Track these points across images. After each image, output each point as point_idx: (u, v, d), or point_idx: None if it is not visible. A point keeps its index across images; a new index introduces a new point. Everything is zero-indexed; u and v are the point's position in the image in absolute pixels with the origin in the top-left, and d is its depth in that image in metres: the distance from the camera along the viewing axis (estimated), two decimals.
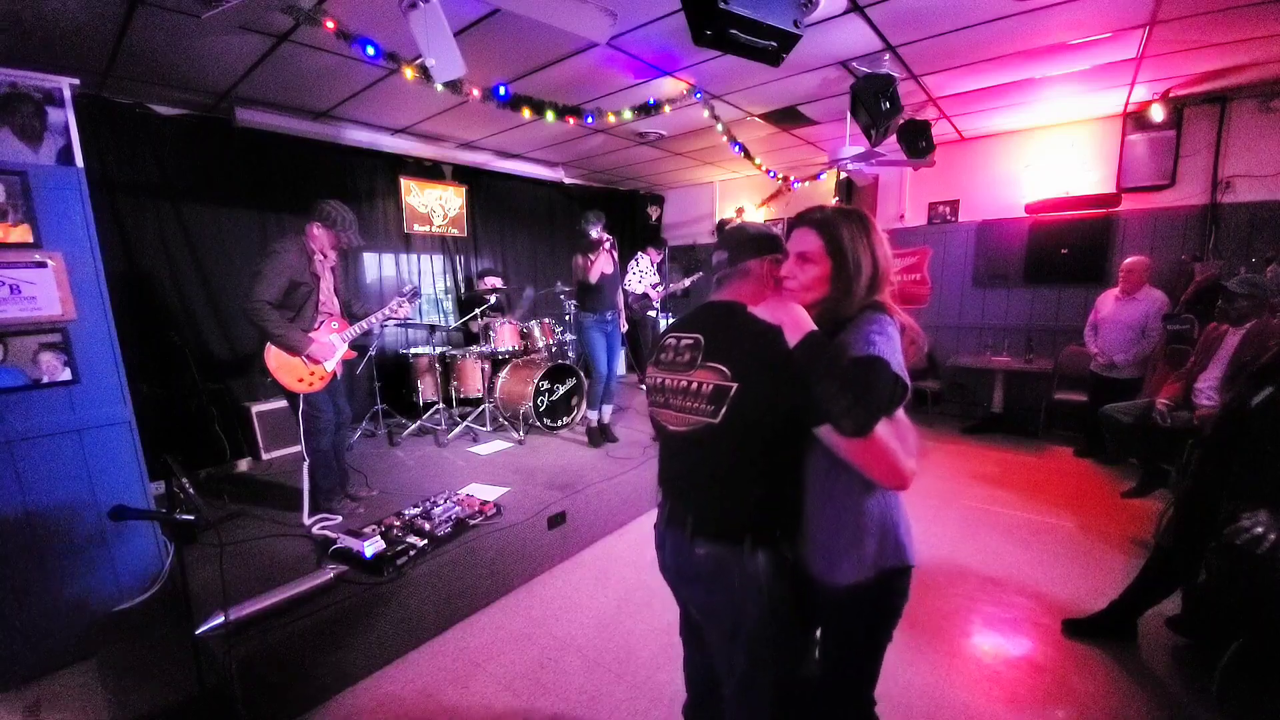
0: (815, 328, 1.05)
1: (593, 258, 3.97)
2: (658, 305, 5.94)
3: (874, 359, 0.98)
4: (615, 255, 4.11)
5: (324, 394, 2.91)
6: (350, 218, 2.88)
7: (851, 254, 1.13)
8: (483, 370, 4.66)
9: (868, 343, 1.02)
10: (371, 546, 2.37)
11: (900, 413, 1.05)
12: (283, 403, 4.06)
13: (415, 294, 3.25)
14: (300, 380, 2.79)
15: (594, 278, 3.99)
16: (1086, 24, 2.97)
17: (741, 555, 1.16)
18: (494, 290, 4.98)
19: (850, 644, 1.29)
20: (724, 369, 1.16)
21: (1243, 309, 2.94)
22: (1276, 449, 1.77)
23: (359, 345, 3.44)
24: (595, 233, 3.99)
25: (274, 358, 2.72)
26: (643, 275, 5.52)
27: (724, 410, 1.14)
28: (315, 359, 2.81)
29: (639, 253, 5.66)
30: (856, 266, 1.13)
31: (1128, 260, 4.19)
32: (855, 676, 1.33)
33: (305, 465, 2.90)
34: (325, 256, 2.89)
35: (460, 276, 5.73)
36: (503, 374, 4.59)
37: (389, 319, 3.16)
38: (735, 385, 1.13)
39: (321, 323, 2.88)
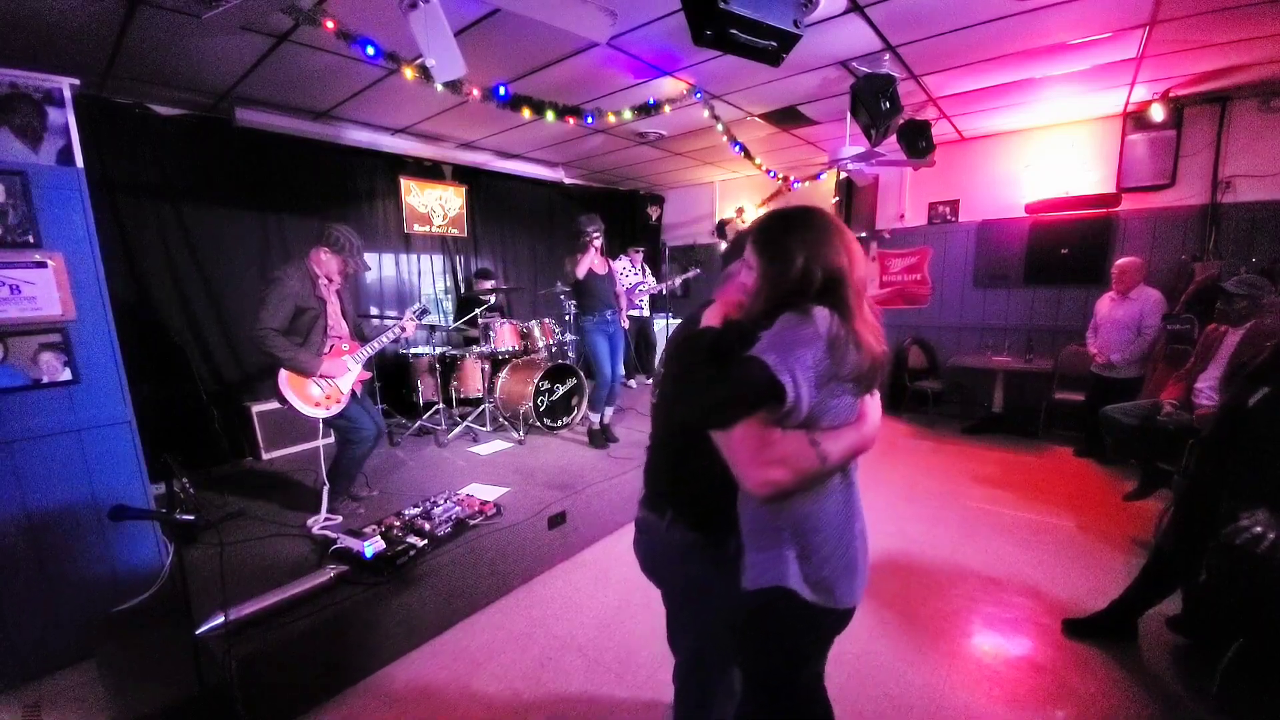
0: (712, 325, 1.13)
1: (579, 256, 3.97)
2: (640, 304, 5.96)
3: (742, 359, 0.99)
4: (602, 252, 4.10)
5: (358, 407, 2.92)
6: (358, 244, 2.87)
7: (773, 258, 1.07)
8: (483, 370, 4.66)
9: (758, 343, 1.01)
10: (371, 546, 2.37)
11: (756, 421, 1.00)
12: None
13: (423, 313, 3.24)
14: (316, 405, 2.78)
15: (580, 273, 3.98)
16: (1086, 24, 2.97)
17: (662, 524, 1.33)
18: (493, 291, 4.98)
19: (744, 664, 1.29)
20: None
21: (1242, 309, 2.95)
22: (1275, 448, 1.77)
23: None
24: (588, 235, 3.98)
25: (287, 384, 2.71)
26: (623, 276, 5.56)
27: (654, 398, 1.42)
28: (328, 375, 2.80)
29: (620, 254, 5.69)
30: (780, 270, 1.06)
31: (1120, 261, 4.21)
32: (756, 706, 1.26)
33: (325, 488, 2.91)
34: (331, 281, 2.87)
35: (460, 276, 5.73)
36: (503, 374, 4.59)
37: (397, 340, 3.15)
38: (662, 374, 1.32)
39: (331, 346, 2.87)
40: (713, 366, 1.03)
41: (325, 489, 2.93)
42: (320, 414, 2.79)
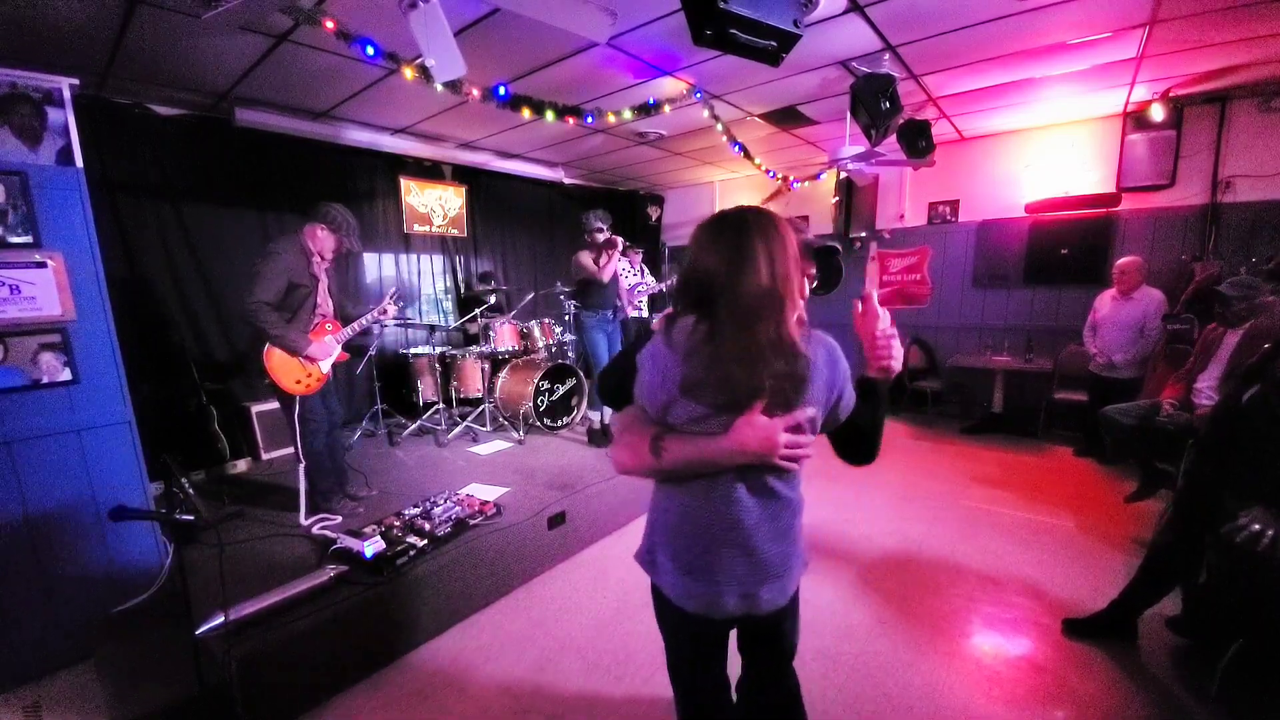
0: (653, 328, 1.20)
1: (606, 258, 4.00)
2: (640, 305, 5.96)
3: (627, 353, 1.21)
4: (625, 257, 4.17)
5: (316, 396, 2.90)
6: (354, 224, 2.89)
7: (683, 264, 1.14)
8: (483, 370, 4.66)
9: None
10: (371, 546, 2.37)
11: (635, 409, 1.17)
12: None
13: (398, 296, 3.23)
14: (297, 382, 2.79)
15: (607, 276, 4.03)
16: (1086, 24, 2.97)
17: None
18: (493, 291, 4.98)
19: None
20: None
21: (1240, 311, 2.95)
22: (1271, 447, 1.77)
23: (357, 346, 3.45)
24: (608, 232, 4.02)
25: (273, 359, 2.71)
26: (623, 276, 5.57)
27: None
28: (313, 359, 2.81)
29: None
30: (683, 276, 1.12)
31: (1120, 261, 4.20)
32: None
33: (301, 467, 2.89)
34: (324, 259, 2.89)
35: (460, 276, 5.73)
36: (503, 374, 4.59)
37: (378, 321, 3.15)
38: None
39: (317, 324, 2.88)
40: (619, 357, 1.28)
41: (303, 488, 2.91)
42: (299, 391, 2.79)
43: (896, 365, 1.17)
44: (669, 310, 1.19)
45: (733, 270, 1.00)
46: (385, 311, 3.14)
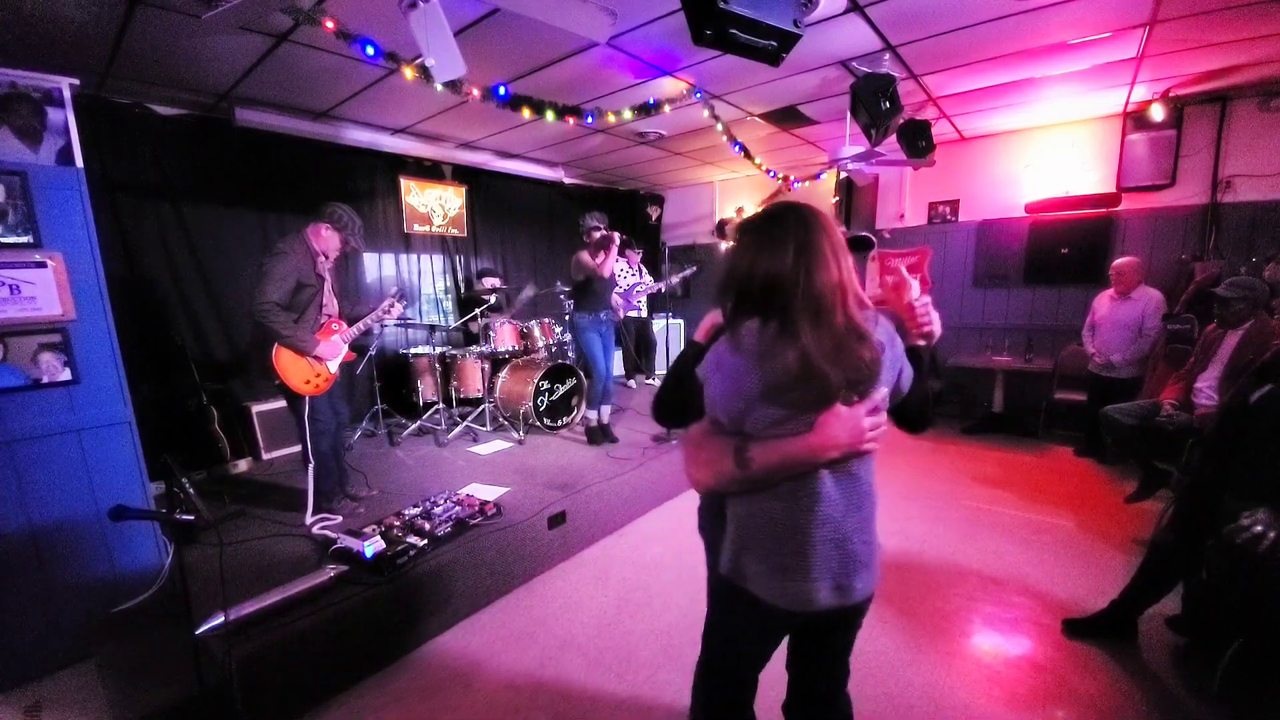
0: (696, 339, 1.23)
1: (604, 256, 4.01)
2: (639, 305, 5.97)
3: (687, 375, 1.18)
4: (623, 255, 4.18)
5: (324, 397, 2.91)
6: (358, 223, 2.90)
7: (729, 258, 1.15)
8: (483, 370, 4.65)
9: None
10: (371, 546, 2.37)
11: (704, 424, 1.17)
12: (282, 403, 4.06)
13: (400, 295, 3.25)
14: (307, 382, 2.79)
15: (606, 272, 4.04)
16: (1086, 24, 2.97)
17: None
18: (493, 290, 4.98)
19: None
20: None
21: (1239, 311, 2.95)
22: (1276, 447, 1.77)
23: (359, 346, 3.46)
24: (604, 230, 4.04)
25: (282, 360, 2.71)
26: (621, 277, 5.60)
27: None
28: (323, 358, 2.82)
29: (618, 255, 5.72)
30: (729, 271, 1.12)
31: (1118, 261, 4.20)
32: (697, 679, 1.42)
33: (310, 468, 2.89)
34: (328, 258, 2.89)
35: (460, 276, 5.73)
36: (503, 374, 4.59)
37: (381, 320, 3.17)
38: None
39: (324, 324, 2.89)
40: (673, 374, 1.25)
41: (311, 488, 2.90)
42: (309, 391, 2.79)
43: (937, 329, 1.21)
44: (714, 318, 1.19)
45: (802, 267, 1.01)
46: (389, 310, 3.15)
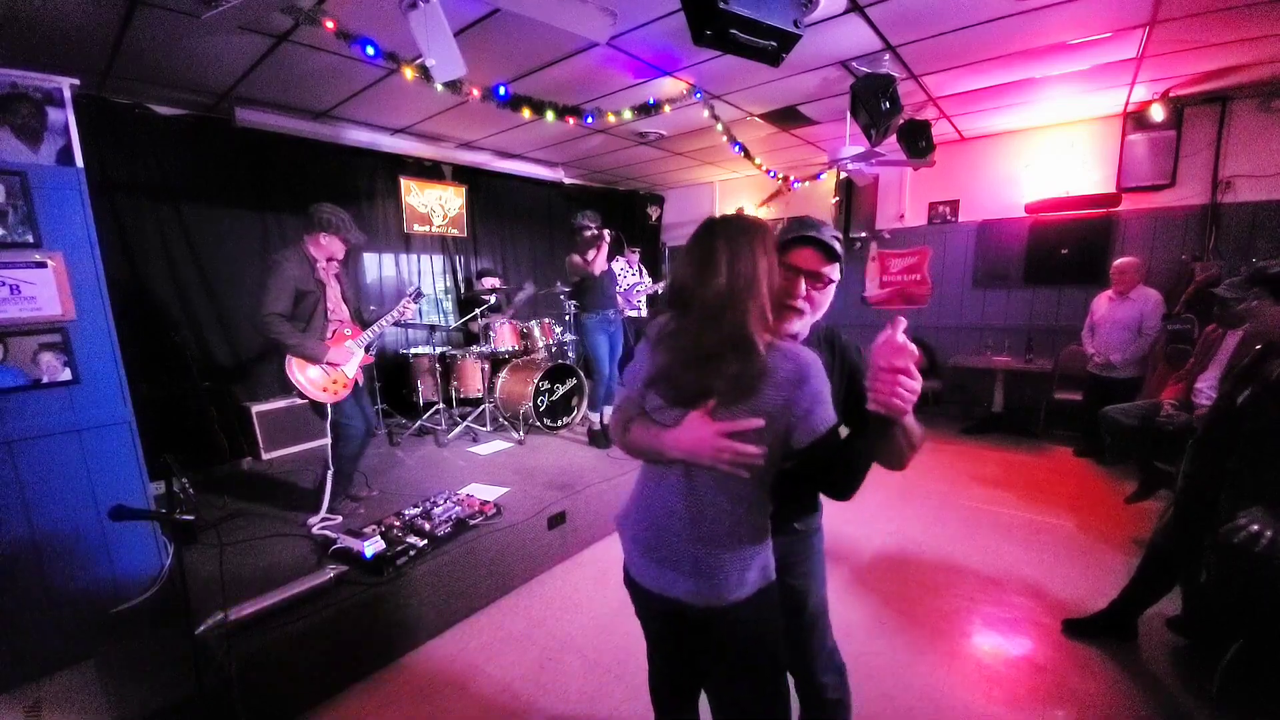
0: None
1: (594, 253, 4.00)
2: (638, 305, 5.96)
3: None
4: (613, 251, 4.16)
5: (353, 402, 2.92)
6: (346, 216, 2.89)
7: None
8: (483, 370, 4.65)
9: None
10: (371, 546, 2.37)
11: (626, 392, 1.28)
12: (283, 403, 4.07)
13: (418, 294, 3.27)
14: (325, 390, 2.80)
15: (598, 270, 4.02)
16: (1086, 24, 2.97)
17: None
18: (493, 290, 4.98)
19: None
20: None
21: (1240, 312, 2.94)
22: (1268, 447, 1.77)
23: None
24: (595, 229, 4.02)
25: (295, 369, 2.72)
26: (621, 276, 5.58)
27: None
28: (334, 363, 2.82)
29: (616, 255, 5.71)
30: (669, 281, 1.25)
31: (1118, 261, 4.21)
32: None
33: (330, 473, 2.89)
34: (328, 263, 2.89)
35: (460, 276, 5.73)
36: (503, 374, 4.59)
37: (398, 321, 3.18)
38: None
39: (334, 330, 2.88)
40: None
41: (330, 472, 2.89)
42: (328, 399, 2.81)
43: (898, 404, 0.97)
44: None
45: (696, 273, 1.07)
46: (405, 310, 3.16)
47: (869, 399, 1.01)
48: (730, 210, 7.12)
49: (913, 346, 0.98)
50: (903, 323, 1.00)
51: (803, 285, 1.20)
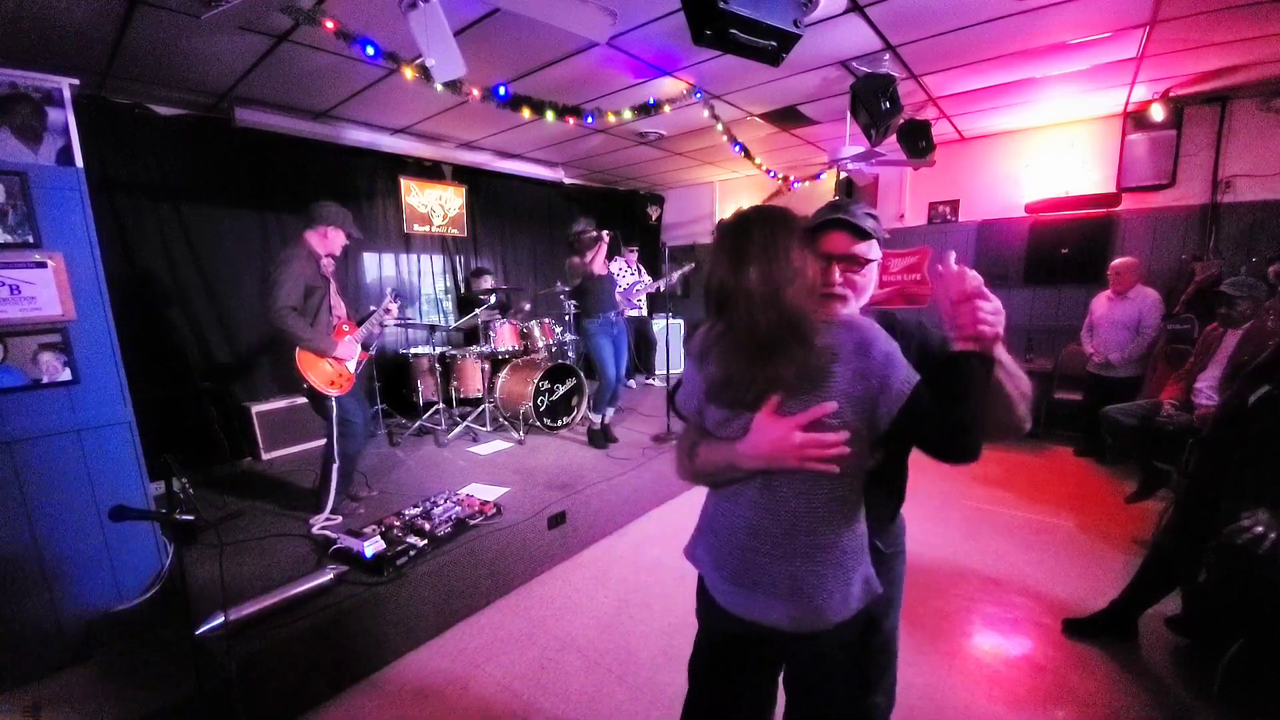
0: None
1: (592, 254, 4.00)
2: (638, 304, 5.97)
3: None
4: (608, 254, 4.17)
5: (354, 398, 2.95)
6: (345, 211, 2.94)
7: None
8: (483, 370, 4.65)
9: None
10: (371, 546, 2.37)
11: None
12: (283, 403, 4.07)
13: (397, 294, 3.38)
14: (331, 383, 2.82)
15: (598, 269, 4.02)
16: (1086, 24, 2.97)
17: None
18: (491, 290, 4.98)
19: None
20: None
21: (1244, 311, 2.95)
22: (1275, 447, 1.77)
23: (365, 345, 3.49)
24: (593, 231, 4.02)
25: (304, 362, 2.74)
26: (620, 276, 5.60)
27: None
28: (341, 359, 2.86)
29: (615, 255, 5.71)
30: (704, 288, 1.14)
31: (1116, 261, 4.20)
32: None
33: (335, 468, 2.90)
34: (336, 256, 2.93)
35: (460, 276, 5.73)
36: (503, 374, 4.59)
37: (384, 320, 3.24)
38: None
39: (335, 326, 2.92)
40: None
41: (335, 466, 2.89)
42: (334, 392, 2.83)
43: (988, 329, 0.94)
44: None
45: (733, 268, 1.00)
46: (388, 310, 3.22)
47: (954, 341, 0.98)
48: (730, 211, 7.13)
49: (973, 271, 0.96)
50: (952, 253, 0.96)
51: (836, 272, 1.11)
